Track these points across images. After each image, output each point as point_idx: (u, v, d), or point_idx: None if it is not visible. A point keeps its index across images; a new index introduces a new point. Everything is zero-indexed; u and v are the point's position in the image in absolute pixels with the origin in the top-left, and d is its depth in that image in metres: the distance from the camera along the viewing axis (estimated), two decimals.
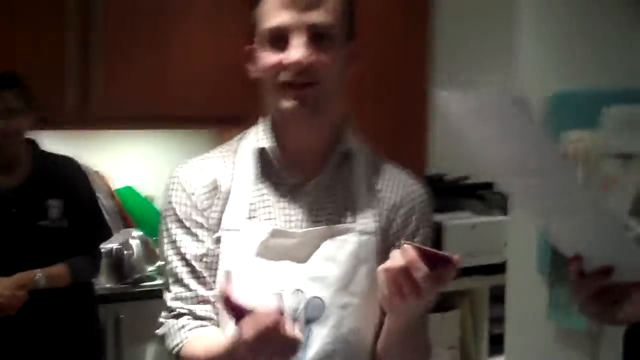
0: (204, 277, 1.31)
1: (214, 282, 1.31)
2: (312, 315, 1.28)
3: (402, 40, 3.28)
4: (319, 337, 1.28)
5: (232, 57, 3.19)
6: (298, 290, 1.25)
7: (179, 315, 1.31)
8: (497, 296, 3.53)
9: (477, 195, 3.55)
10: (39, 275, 2.42)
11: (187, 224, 1.32)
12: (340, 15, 1.28)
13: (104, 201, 3.11)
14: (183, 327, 1.30)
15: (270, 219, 1.31)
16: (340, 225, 1.32)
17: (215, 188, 1.32)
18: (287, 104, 1.26)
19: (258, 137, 1.35)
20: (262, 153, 1.34)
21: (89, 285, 2.68)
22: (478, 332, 3.55)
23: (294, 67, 1.23)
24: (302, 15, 1.24)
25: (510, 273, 2.08)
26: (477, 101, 1.03)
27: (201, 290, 1.30)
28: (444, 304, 3.40)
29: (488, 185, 3.68)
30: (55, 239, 2.50)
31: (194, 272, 1.31)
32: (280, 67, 1.24)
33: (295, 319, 1.24)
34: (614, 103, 1.66)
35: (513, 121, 0.99)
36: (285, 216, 1.32)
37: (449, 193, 3.58)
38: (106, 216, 2.93)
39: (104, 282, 2.91)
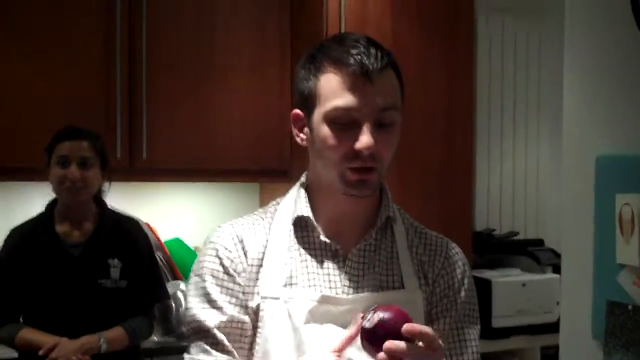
0: (222, 344, 1.27)
1: (239, 348, 1.28)
2: None
3: (446, 95, 3.29)
4: None
5: (277, 110, 3.26)
6: (349, 359, 1.21)
7: None
8: (548, 356, 3.42)
9: (528, 252, 3.47)
10: (102, 340, 2.42)
11: (212, 290, 1.29)
12: (398, 91, 1.27)
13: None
14: None
15: (314, 285, 1.29)
16: (387, 291, 1.31)
17: (245, 253, 1.31)
18: (349, 185, 1.25)
19: (297, 204, 1.34)
20: (300, 220, 1.33)
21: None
22: None
23: (365, 152, 1.21)
24: (370, 99, 1.21)
25: (563, 336, 2.00)
26: None
27: (220, 357, 1.27)
28: None
29: (539, 242, 3.59)
30: (114, 299, 2.50)
31: (214, 338, 1.28)
32: (349, 153, 1.23)
33: None
34: None
35: None
36: (330, 282, 1.30)
37: (499, 249, 3.52)
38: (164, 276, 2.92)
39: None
